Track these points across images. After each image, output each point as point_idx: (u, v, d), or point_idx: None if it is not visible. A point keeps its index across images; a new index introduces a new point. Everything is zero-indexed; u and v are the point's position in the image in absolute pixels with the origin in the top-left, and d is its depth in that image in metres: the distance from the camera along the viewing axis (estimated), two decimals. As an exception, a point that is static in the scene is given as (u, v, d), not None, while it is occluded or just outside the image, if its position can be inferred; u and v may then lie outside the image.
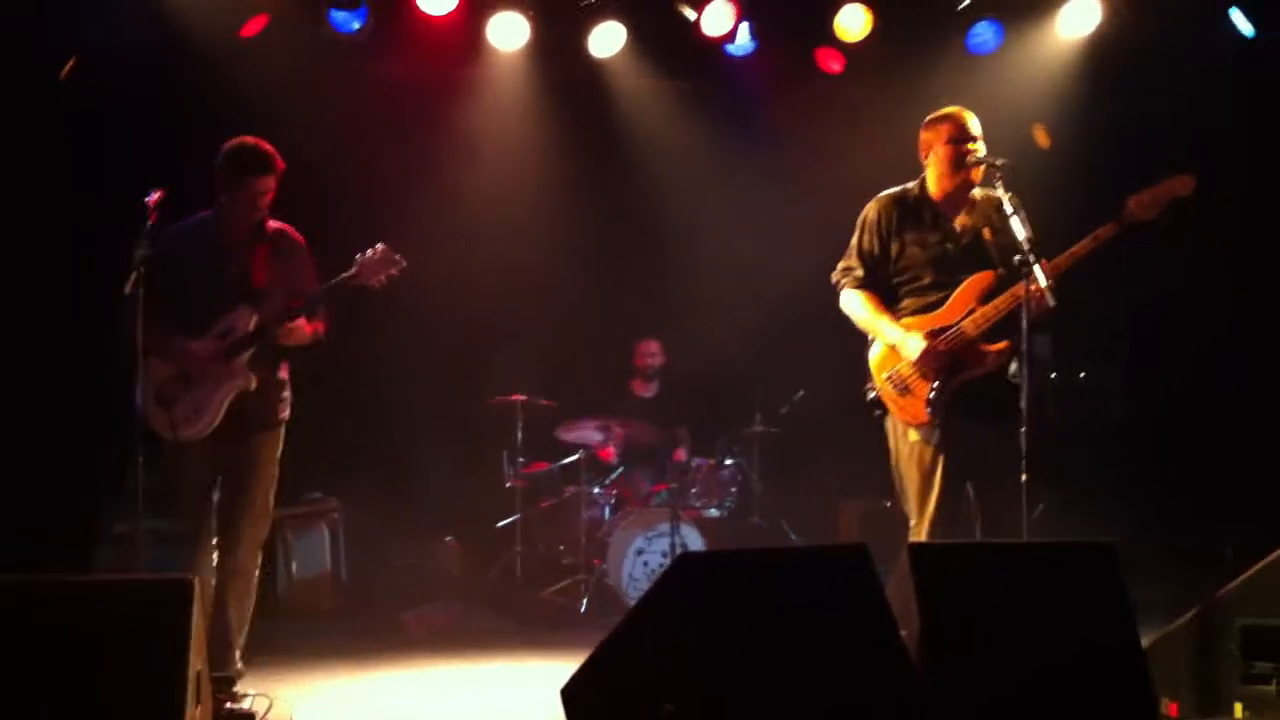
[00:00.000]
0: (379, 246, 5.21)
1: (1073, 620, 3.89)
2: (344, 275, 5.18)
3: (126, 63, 7.32)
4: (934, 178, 5.03)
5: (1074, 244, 4.75)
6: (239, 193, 5.11)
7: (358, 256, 5.19)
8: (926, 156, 5.04)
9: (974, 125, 4.96)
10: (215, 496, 5.20)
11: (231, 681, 4.93)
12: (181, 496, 5.13)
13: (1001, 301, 4.80)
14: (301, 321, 5.15)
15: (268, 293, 5.15)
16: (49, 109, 7.29)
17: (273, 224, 5.28)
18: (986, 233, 4.98)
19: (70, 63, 7.31)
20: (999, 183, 4.79)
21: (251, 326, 5.09)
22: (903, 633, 3.70)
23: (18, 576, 3.64)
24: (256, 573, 5.26)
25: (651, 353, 8.65)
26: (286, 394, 5.31)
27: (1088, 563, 4.03)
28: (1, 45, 6.91)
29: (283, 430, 5.30)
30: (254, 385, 5.11)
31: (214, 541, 5.17)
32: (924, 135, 5.05)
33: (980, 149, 4.91)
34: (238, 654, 5.07)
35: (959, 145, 4.91)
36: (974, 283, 4.89)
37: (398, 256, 5.21)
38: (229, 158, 5.12)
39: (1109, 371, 8.21)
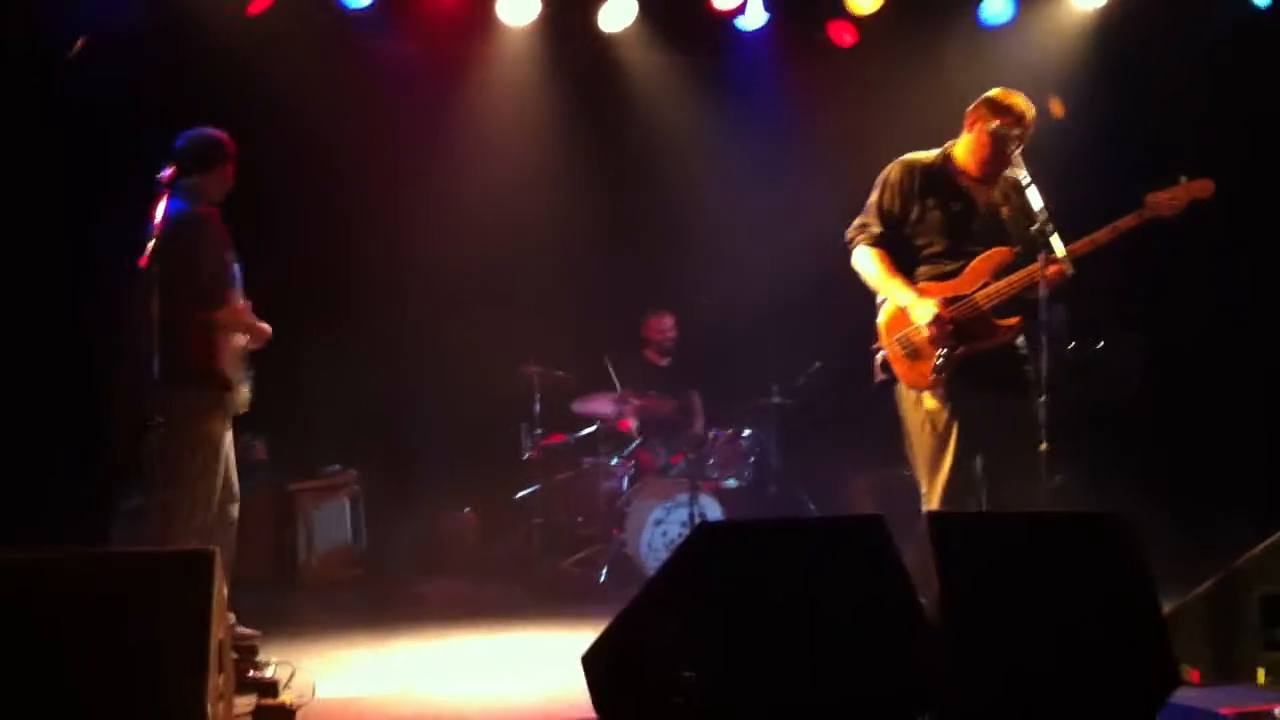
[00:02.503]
0: None
1: (1093, 589, 3.90)
2: None
3: (133, 42, 7.34)
4: (969, 150, 4.97)
5: (1089, 219, 4.76)
6: (222, 179, 5.54)
7: None
8: (971, 128, 4.95)
9: (1031, 127, 4.91)
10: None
11: (254, 650, 5.00)
12: (219, 471, 5.37)
13: (1016, 279, 4.80)
14: None
15: None
16: (55, 87, 7.31)
17: None
18: (1005, 211, 4.98)
19: (79, 43, 7.32)
20: (1015, 154, 4.78)
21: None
22: (922, 601, 3.72)
23: (42, 550, 3.67)
24: None
25: (666, 328, 8.64)
26: None
27: (1107, 532, 4.04)
28: (7, 25, 6.94)
29: None
30: None
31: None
32: (982, 110, 4.91)
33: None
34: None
35: (1009, 137, 4.80)
36: (990, 256, 4.89)
37: None
38: (218, 145, 5.53)
39: (1127, 342, 8.18)
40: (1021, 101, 4.91)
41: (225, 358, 5.35)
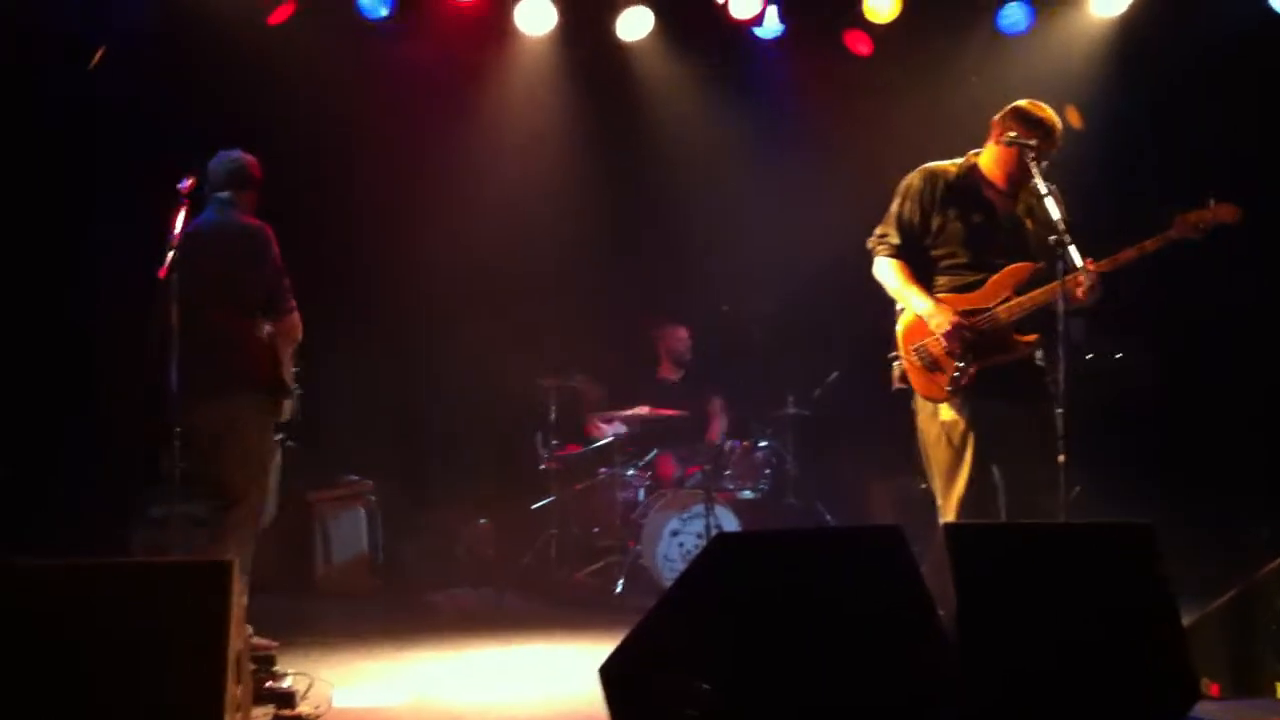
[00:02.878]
0: None
1: (1112, 601, 3.89)
2: None
3: (154, 51, 7.37)
4: (995, 160, 4.94)
5: (1107, 229, 4.75)
6: (251, 202, 5.66)
7: None
8: (998, 138, 4.90)
9: (1058, 141, 4.89)
10: None
11: (272, 660, 5.00)
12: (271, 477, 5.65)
13: (1038, 293, 4.77)
14: None
15: None
16: (77, 97, 7.35)
17: None
18: (1029, 223, 4.95)
19: (99, 52, 7.36)
20: (1033, 165, 4.75)
21: None
22: (940, 613, 3.71)
23: (62, 559, 3.68)
24: None
25: (681, 338, 8.62)
26: None
27: (1126, 543, 4.03)
28: (28, 34, 6.98)
29: None
30: None
31: None
32: (1010, 122, 4.86)
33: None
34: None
35: (1028, 148, 4.76)
36: (1013, 271, 4.86)
37: None
38: (251, 169, 5.65)
39: (1144, 353, 8.14)
40: (1050, 113, 4.88)
41: (285, 366, 5.51)
